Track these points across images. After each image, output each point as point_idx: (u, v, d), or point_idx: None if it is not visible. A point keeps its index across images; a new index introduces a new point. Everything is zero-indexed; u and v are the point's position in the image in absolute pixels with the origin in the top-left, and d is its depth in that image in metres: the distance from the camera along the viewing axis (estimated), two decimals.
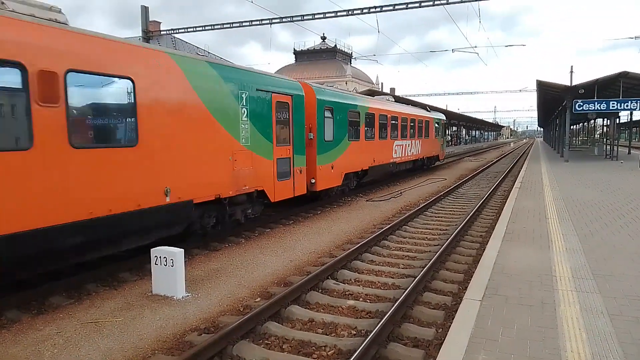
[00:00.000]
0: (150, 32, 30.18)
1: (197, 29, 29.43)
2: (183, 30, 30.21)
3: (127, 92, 7.40)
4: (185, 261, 7.18)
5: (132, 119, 7.44)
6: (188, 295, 6.89)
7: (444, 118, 31.96)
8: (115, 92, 7.40)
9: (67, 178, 6.44)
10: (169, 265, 6.77)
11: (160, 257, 6.83)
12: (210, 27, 29.11)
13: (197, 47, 40.62)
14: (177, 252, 6.78)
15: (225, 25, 28.68)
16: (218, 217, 9.98)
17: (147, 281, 7.39)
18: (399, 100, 26.64)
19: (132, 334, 5.66)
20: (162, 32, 31.85)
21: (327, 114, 14.37)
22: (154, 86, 7.81)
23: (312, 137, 13.44)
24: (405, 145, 22.32)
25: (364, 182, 18.45)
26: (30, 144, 5.98)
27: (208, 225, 9.76)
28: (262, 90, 10.79)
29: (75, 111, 6.69)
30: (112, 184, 7.06)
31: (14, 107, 6.15)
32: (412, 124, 23.33)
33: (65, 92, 6.37)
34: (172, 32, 31.18)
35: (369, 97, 21.64)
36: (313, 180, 13.49)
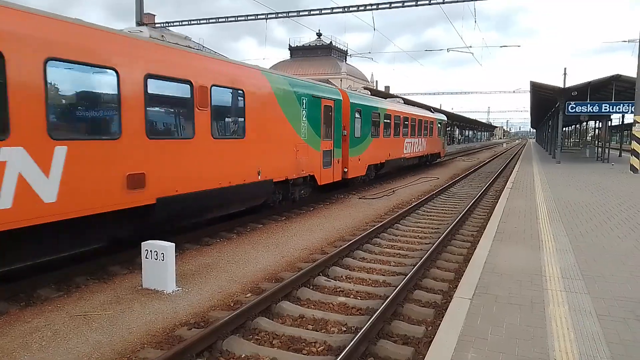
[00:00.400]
0: (145, 24, 29.92)
1: (192, 22, 29.23)
2: (177, 24, 29.99)
3: (242, 99, 10.31)
4: (176, 255, 7.15)
5: (242, 119, 10.33)
6: (178, 290, 6.86)
7: (446, 119, 34.29)
8: (236, 99, 10.28)
9: (209, 159, 9.20)
10: (159, 259, 6.74)
11: (150, 250, 6.80)
12: (204, 21, 28.94)
13: (192, 41, 40.31)
14: (168, 246, 6.75)
15: (220, 20, 28.53)
16: (284, 194, 12.78)
17: (137, 275, 7.36)
18: (407, 102, 28.15)
19: (121, 327, 5.63)
20: (156, 25, 31.60)
21: (357, 114, 17.02)
22: (254, 95, 10.65)
23: (345, 134, 16.00)
24: (414, 142, 24.94)
25: (380, 174, 20.62)
26: (193, 135, 8.79)
27: (277, 200, 12.59)
28: (315, 97, 13.64)
29: (214, 114, 9.39)
30: (232, 164, 9.96)
31: (186, 111, 8.84)
32: (419, 124, 25.83)
33: (210, 101, 9.15)
34: (167, 24, 30.93)
35: (386, 99, 23.95)
36: (346, 170, 16.07)
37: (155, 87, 7.93)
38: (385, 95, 29.41)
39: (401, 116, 22.57)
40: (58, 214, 6.41)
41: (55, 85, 6.48)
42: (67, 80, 6.84)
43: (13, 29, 5.89)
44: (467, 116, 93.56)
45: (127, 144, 7.39)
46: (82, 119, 7.25)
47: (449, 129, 76.98)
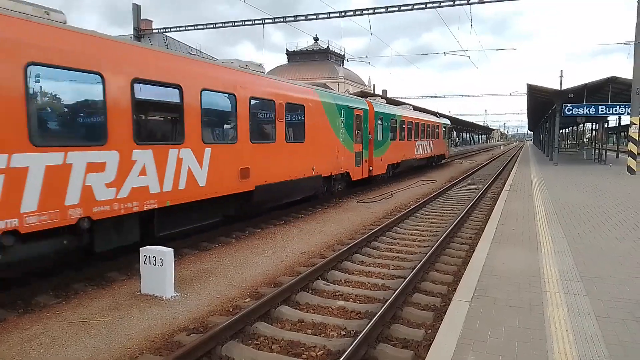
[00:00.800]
0: (142, 30, 29.99)
1: (189, 28, 29.30)
2: (175, 29, 30.06)
3: (303, 112, 13.32)
4: (174, 261, 7.14)
5: (303, 127, 13.31)
6: (177, 295, 6.85)
7: (449, 123, 37.45)
8: (300, 112, 13.25)
9: (284, 157, 12.17)
10: (158, 265, 6.73)
11: (149, 256, 6.79)
12: (202, 27, 29.01)
13: (190, 47, 40.46)
14: (167, 252, 6.75)
15: (217, 25, 28.62)
16: (327, 187, 15.59)
17: (135, 281, 7.35)
18: (416, 109, 30.52)
19: (120, 333, 5.62)
20: (154, 31, 31.67)
21: (379, 121, 19.92)
22: (311, 108, 13.70)
23: (371, 138, 18.77)
24: (423, 145, 27.81)
25: (397, 172, 23.38)
26: (274, 140, 11.73)
27: (323, 192, 15.41)
28: (350, 108, 16.68)
29: (287, 124, 12.32)
30: (297, 162, 12.89)
31: (271, 123, 11.74)
32: (427, 128, 28.69)
33: (284, 114, 12.13)
34: (164, 30, 31.01)
35: (401, 107, 27.28)
36: (371, 168, 18.92)
37: (253, 107, 10.87)
38: (397, 102, 30.53)
39: (413, 122, 25.33)
40: (206, 194, 9.27)
41: (207, 110, 9.39)
42: (215, 106, 9.92)
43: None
44: (465, 119, 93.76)
45: (240, 146, 10.37)
46: (219, 130, 10.35)
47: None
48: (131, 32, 29.40)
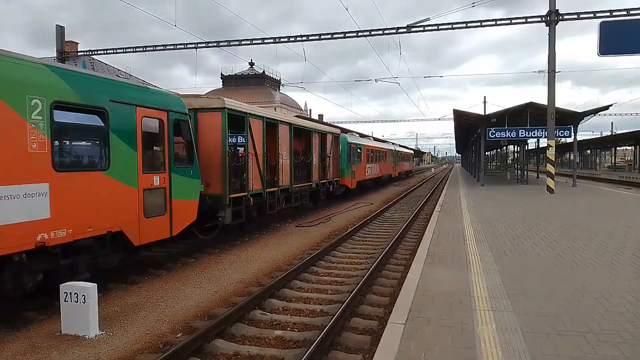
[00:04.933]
0: (66, 52, 28.65)
1: (118, 50, 28.40)
2: (102, 52, 29.02)
3: (361, 150, 27.66)
4: (99, 296, 6.70)
5: (360, 158, 28.08)
6: (102, 334, 6.40)
7: (395, 148, 46.20)
8: (356, 149, 26.54)
9: (364, 169, 28.20)
10: (80, 302, 6.27)
11: (70, 293, 6.31)
12: (131, 50, 28.20)
13: (119, 70, 39.08)
14: (90, 287, 6.30)
15: (148, 48, 27.95)
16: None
17: (56, 320, 6.78)
18: (375, 139, 45.17)
19: None
20: (79, 53, 30.36)
21: (354, 149, 26.67)
22: (354, 145, 26.67)
23: (346, 160, 25.22)
24: (379, 166, 35.17)
25: (353, 189, 27.01)
26: (360, 162, 27.41)
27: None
28: (349, 143, 25.54)
29: (369, 158, 30.03)
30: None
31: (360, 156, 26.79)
32: (380, 153, 36.30)
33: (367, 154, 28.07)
34: (91, 53, 29.83)
35: (365, 137, 36.78)
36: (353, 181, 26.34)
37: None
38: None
39: (371, 149, 32.44)
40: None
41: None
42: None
43: None
44: (398, 143, 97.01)
45: (362, 166, 25.52)
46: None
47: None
48: (54, 54, 28.03)
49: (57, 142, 7.15)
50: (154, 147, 9.37)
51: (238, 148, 14.93)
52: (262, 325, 6.87)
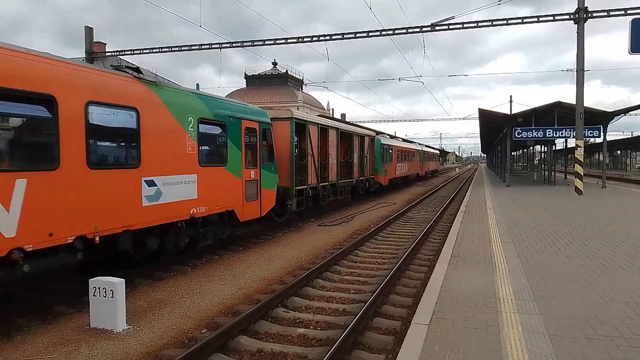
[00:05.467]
0: (95, 53, 29.34)
1: (144, 51, 28.92)
2: (129, 52, 29.59)
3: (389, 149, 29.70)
4: (126, 292, 6.86)
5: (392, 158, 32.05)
6: (129, 328, 6.54)
7: (422, 148, 49.36)
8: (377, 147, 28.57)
9: (394, 167, 31.28)
10: (108, 297, 6.42)
11: (99, 287, 6.48)
12: (158, 50, 28.69)
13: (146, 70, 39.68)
14: (118, 283, 6.46)
15: (174, 48, 28.38)
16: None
17: (85, 314, 6.96)
18: (404, 140, 46.25)
19: None
20: (107, 54, 31.04)
21: (386, 149, 28.81)
22: (387, 146, 30.02)
23: (380, 159, 27.69)
24: (408, 165, 37.77)
25: (385, 186, 29.35)
26: (391, 161, 30.56)
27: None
28: (382, 144, 27.88)
29: (399, 157, 33.17)
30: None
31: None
32: (409, 153, 38.59)
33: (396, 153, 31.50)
34: (118, 53, 30.45)
35: (394, 139, 38.67)
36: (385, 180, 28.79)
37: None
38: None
39: (401, 149, 34.93)
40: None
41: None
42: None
43: None
44: (423, 143, 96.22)
45: (393, 165, 28.63)
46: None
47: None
48: (83, 54, 28.72)
49: (201, 146, 9.98)
50: (251, 149, 12.13)
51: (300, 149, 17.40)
52: (285, 323, 6.91)
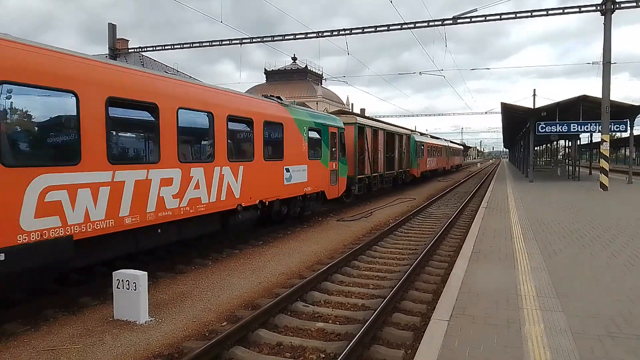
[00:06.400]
0: (118, 50, 29.81)
1: (166, 47, 29.25)
2: (151, 49, 29.97)
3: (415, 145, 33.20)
4: (149, 284, 6.98)
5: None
6: (151, 320, 6.67)
7: (448, 144, 54.14)
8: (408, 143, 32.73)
9: (425, 162, 35.57)
10: (131, 289, 6.55)
11: (122, 280, 6.61)
12: (179, 46, 28.98)
13: (167, 66, 40.29)
14: (140, 275, 6.58)
15: (194, 45, 28.63)
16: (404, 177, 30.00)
17: (108, 306, 7.12)
18: (432, 136, 49.86)
19: None
20: (129, 50, 31.51)
21: (419, 145, 32.81)
22: (424, 144, 36.74)
23: (414, 154, 31.41)
24: (437, 160, 42.16)
25: (418, 178, 33.50)
26: (423, 156, 34.97)
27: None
28: (416, 141, 32.00)
29: (430, 153, 38.89)
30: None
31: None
32: (437, 149, 42.79)
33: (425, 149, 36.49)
34: (141, 50, 30.88)
35: (424, 135, 41.84)
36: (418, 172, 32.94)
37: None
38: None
39: (432, 145, 39.63)
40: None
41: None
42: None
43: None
44: (442, 137, 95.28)
45: (424, 159, 32.82)
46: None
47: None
48: (107, 51, 29.21)
49: (309, 146, 14.39)
50: (333, 147, 16.44)
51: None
52: (304, 317, 6.95)
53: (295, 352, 5.71)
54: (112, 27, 29.18)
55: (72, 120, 6.78)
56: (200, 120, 9.63)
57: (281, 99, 13.57)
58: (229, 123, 10.22)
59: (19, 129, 6.34)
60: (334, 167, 16.47)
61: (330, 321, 6.75)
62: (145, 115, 8.24)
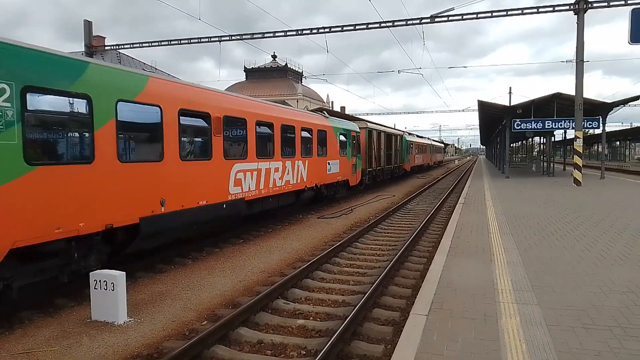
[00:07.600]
0: (94, 47, 29.24)
1: (144, 44, 28.81)
2: (129, 46, 29.48)
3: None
4: (127, 284, 6.89)
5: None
6: (130, 321, 6.59)
7: (432, 142, 60.58)
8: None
9: (415, 157, 43.22)
10: (109, 290, 6.47)
11: (99, 280, 6.52)
12: (157, 43, 28.58)
13: (144, 63, 39.65)
14: (118, 276, 6.50)
15: (173, 42, 28.28)
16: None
17: (86, 307, 7.01)
18: (418, 136, 53.51)
19: None
20: (106, 48, 30.93)
21: (409, 144, 37.99)
22: (431, 146, 54.28)
23: (405, 152, 36.32)
24: (423, 156, 48.90)
25: (408, 172, 39.30)
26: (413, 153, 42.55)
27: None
28: (407, 140, 37.44)
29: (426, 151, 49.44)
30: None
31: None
32: (423, 147, 49.02)
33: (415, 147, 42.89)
34: (117, 47, 30.34)
35: (411, 135, 45.37)
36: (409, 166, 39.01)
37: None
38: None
39: (419, 143, 45.76)
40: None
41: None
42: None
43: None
44: (420, 135, 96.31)
45: (412, 156, 38.57)
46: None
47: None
48: (83, 48, 28.62)
49: (340, 145, 19.46)
50: (353, 146, 21.40)
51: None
52: (285, 314, 6.96)
53: (276, 349, 5.72)
54: (88, 24, 28.60)
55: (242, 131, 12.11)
56: (292, 131, 15.06)
57: (324, 113, 19.55)
58: (302, 132, 15.61)
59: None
60: (354, 161, 21.64)
61: (311, 318, 6.78)
62: (291, 131, 14.94)
